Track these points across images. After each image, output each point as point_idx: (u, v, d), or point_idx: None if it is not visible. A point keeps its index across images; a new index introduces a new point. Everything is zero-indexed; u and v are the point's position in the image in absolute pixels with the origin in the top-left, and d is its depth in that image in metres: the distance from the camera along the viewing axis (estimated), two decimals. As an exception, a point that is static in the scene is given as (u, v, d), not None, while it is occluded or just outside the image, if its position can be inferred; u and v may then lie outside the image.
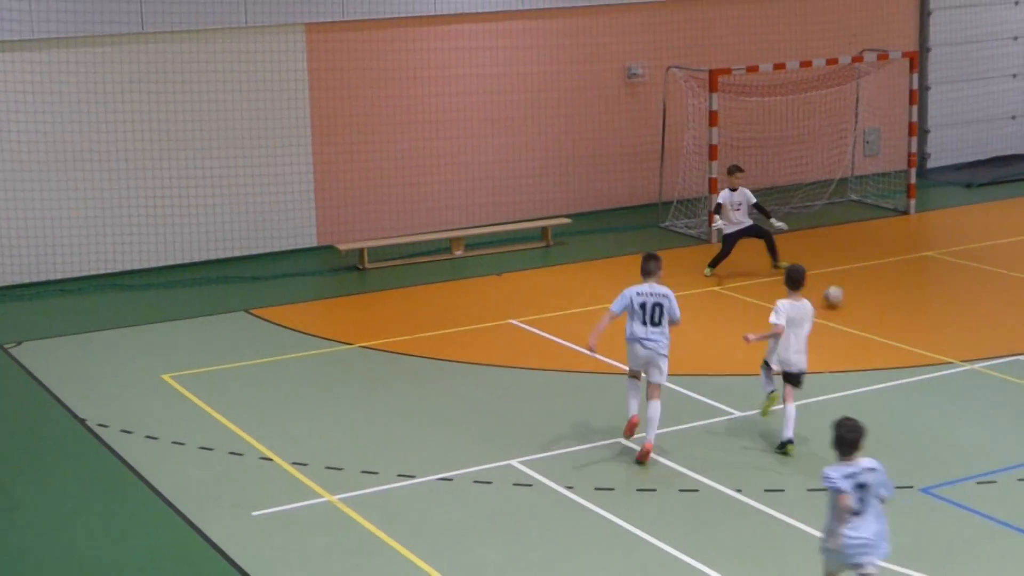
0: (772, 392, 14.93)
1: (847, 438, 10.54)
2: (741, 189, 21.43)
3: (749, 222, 21.56)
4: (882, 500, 10.46)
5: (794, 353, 14.57)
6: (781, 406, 14.76)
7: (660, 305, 14.47)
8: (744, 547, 12.55)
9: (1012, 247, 22.91)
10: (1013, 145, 29.97)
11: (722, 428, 15.48)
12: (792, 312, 14.46)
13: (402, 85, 24.10)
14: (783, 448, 14.62)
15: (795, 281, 14.54)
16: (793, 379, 14.68)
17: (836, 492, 10.34)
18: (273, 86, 23.17)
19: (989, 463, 14.20)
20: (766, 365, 14.94)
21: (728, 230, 21.52)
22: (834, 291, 19.69)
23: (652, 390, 14.47)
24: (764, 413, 15.12)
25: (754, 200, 21.57)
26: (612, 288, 20.68)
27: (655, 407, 14.40)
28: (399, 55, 24.03)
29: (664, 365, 14.46)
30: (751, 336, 14.51)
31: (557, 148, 25.50)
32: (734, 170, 21.55)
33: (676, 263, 22.42)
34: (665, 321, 14.51)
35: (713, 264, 21.59)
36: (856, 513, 10.34)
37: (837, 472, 10.41)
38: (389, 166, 24.21)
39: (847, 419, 10.70)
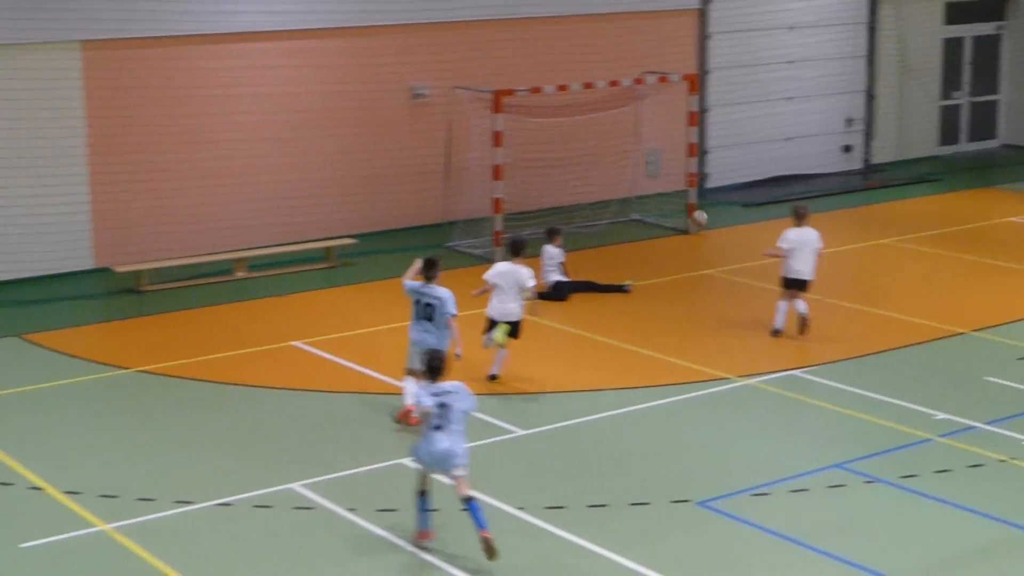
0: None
1: (432, 365, 12.78)
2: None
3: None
4: (464, 415, 12.73)
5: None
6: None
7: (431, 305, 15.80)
8: (525, 566, 12.56)
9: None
10: (789, 165, 30.79)
11: (503, 447, 15.51)
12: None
13: (184, 104, 23.67)
14: None
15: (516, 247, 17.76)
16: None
17: (420, 407, 12.59)
18: (47, 104, 22.51)
19: (764, 476, 14.50)
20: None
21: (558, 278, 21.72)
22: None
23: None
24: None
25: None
26: (397, 309, 20.70)
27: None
28: (181, 73, 23.60)
29: None
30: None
31: (342, 168, 25.34)
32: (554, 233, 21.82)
33: (460, 283, 22.45)
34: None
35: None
36: (439, 427, 12.56)
37: (424, 391, 12.65)
38: (170, 186, 23.75)
39: (434, 351, 13.32)
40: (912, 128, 32.89)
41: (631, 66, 27.31)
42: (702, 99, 28.80)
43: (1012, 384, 17.33)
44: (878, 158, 32.23)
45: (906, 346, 19.02)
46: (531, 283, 17.37)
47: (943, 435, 15.65)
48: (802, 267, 19.39)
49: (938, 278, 22.74)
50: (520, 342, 18.92)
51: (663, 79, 25.89)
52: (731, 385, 17.45)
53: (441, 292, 15.86)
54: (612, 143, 27.47)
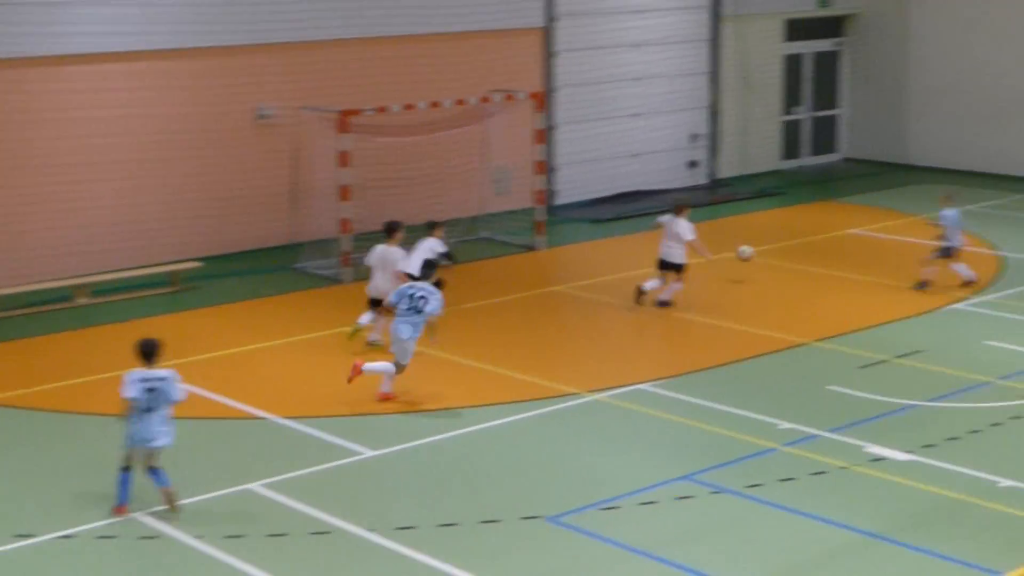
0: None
1: (144, 350, 14.13)
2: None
3: None
4: (172, 403, 14.02)
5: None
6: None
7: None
8: (374, 587, 12.49)
9: (635, 280, 23.66)
10: (636, 182, 31.10)
11: (352, 468, 15.40)
12: None
13: (16, 128, 23.15)
14: None
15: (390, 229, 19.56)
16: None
17: (130, 397, 13.88)
18: None
19: (612, 489, 14.58)
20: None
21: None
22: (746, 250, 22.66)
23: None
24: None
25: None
26: (245, 332, 20.48)
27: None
28: (12, 97, 23.08)
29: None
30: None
31: (188, 191, 25.00)
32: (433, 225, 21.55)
33: (310, 305, 22.33)
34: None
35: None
36: (148, 409, 13.90)
37: (133, 377, 13.91)
38: (7, 212, 23.20)
39: (146, 339, 14.37)
40: (755, 143, 33.46)
41: (478, 84, 27.39)
42: (549, 117, 28.96)
43: (853, 392, 17.66)
44: (723, 173, 32.71)
45: (751, 358, 19.29)
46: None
47: (787, 444, 15.89)
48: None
49: (782, 290, 23.11)
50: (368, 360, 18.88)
51: (509, 97, 26.00)
52: (580, 400, 17.53)
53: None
54: (460, 162, 27.49)
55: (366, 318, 19.75)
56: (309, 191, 25.19)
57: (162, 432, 14.05)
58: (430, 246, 21.42)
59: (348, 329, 19.92)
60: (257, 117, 25.53)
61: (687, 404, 17.32)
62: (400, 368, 17.48)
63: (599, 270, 24.38)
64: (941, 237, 22.75)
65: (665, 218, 22.17)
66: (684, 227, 21.89)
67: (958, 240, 22.68)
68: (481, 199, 27.58)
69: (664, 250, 21.91)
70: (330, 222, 24.52)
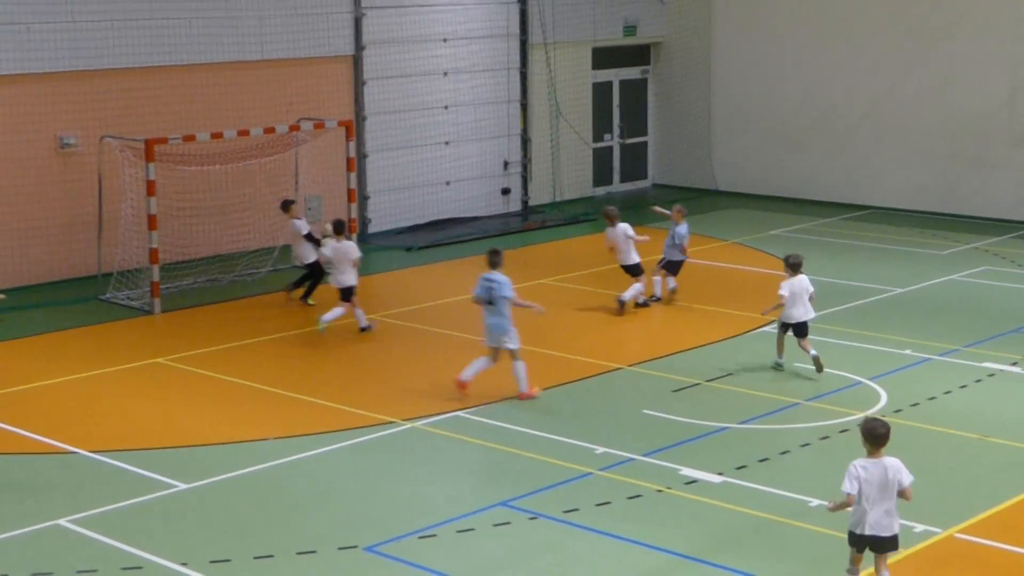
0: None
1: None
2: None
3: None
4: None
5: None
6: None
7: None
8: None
9: (450, 307, 23.72)
10: (449, 209, 31.14)
11: (165, 502, 15.06)
12: None
13: None
14: None
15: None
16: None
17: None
18: None
19: (430, 517, 14.49)
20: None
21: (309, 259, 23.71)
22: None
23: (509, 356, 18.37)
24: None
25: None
26: (51, 364, 19.93)
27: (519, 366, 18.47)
28: None
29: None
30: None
31: (-13, 221, 24.31)
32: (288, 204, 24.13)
33: (118, 335, 21.85)
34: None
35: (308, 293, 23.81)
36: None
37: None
38: None
39: None
40: (567, 170, 33.77)
41: (288, 113, 27.18)
42: (360, 144, 28.86)
43: (668, 416, 17.86)
44: (535, 200, 32.95)
45: (568, 383, 19.39)
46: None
47: (603, 468, 15.98)
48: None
49: (596, 315, 23.30)
50: (179, 392, 18.63)
51: (319, 125, 25.82)
52: (397, 428, 17.42)
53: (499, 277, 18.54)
54: (271, 190, 27.17)
55: (335, 313, 21.56)
56: (116, 221, 24.65)
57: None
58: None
59: (318, 328, 21.56)
60: (60, 146, 24.91)
61: (504, 430, 17.33)
62: (511, 354, 18.45)
63: (414, 298, 24.32)
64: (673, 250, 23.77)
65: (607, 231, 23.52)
66: (622, 230, 23.30)
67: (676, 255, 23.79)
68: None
69: (619, 257, 23.41)
70: (138, 252, 24.04)
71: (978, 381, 19.41)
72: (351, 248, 21.96)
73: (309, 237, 23.68)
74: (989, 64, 31.05)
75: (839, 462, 16.21)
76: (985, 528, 14.45)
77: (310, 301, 23.63)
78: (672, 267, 23.85)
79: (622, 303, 23.18)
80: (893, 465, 12.32)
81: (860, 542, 12.47)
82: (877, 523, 12.31)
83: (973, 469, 16.28)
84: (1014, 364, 20.08)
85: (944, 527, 14.33)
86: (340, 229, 22.27)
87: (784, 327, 19.80)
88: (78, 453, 16.45)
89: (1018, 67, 30.72)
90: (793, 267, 19.60)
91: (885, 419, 12.74)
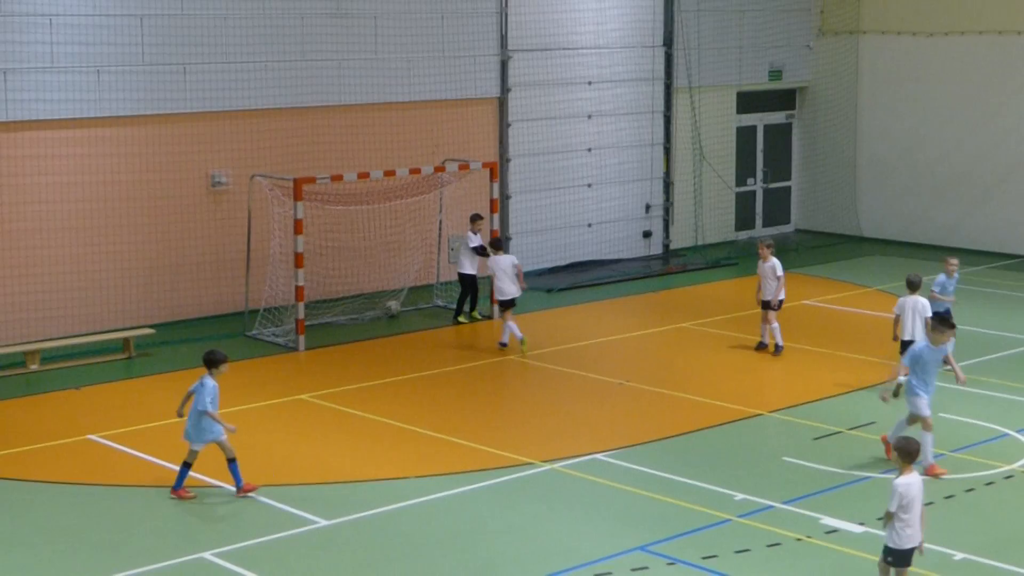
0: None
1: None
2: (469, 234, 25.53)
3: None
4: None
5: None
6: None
7: None
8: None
9: (588, 349, 23.77)
10: (590, 251, 31.24)
11: (306, 538, 15.26)
12: None
13: (-28, 193, 23.08)
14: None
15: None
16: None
17: None
18: None
19: (567, 560, 14.50)
20: None
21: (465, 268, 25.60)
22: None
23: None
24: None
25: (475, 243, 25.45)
26: (196, 399, 20.31)
27: None
28: (-31, 162, 23.03)
29: None
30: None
31: (140, 257, 24.91)
32: (475, 218, 25.56)
33: (263, 371, 22.23)
34: None
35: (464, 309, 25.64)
36: None
37: None
38: (-42, 277, 23.06)
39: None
40: (709, 214, 33.69)
41: (433, 153, 27.53)
42: (503, 186, 29.10)
43: (808, 464, 17.70)
44: (677, 243, 32.91)
45: (706, 428, 19.30)
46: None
47: (742, 515, 15.87)
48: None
49: (736, 361, 23.18)
50: (322, 429, 18.89)
51: (464, 166, 26.11)
52: (535, 470, 17.47)
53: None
54: (415, 230, 27.53)
55: (511, 326, 23.33)
56: (263, 258, 25.16)
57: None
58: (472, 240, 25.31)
59: (522, 348, 23.14)
60: (212, 184, 25.50)
61: (642, 474, 17.30)
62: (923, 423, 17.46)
63: (553, 339, 24.40)
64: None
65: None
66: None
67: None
68: (436, 267, 27.59)
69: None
70: (284, 289, 24.48)
71: None
72: (509, 259, 23.95)
73: (478, 249, 25.42)
74: None
75: (984, 515, 16.03)
76: None
77: (476, 314, 25.65)
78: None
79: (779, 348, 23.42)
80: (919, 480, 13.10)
81: (909, 556, 13.06)
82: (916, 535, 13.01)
83: (1124, 526, 15.88)
84: None
85: (1093, 585, 14.00)
86: (498, 245, 24.35)
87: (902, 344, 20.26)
88: (222, 488, 16.75)
89: None
90: (911, 285, 20.37)
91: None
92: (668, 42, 32.24)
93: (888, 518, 12.99)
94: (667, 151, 32.59)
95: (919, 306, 20.26)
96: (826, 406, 20.34)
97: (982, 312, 26.15)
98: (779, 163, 35.78)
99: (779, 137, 35.77)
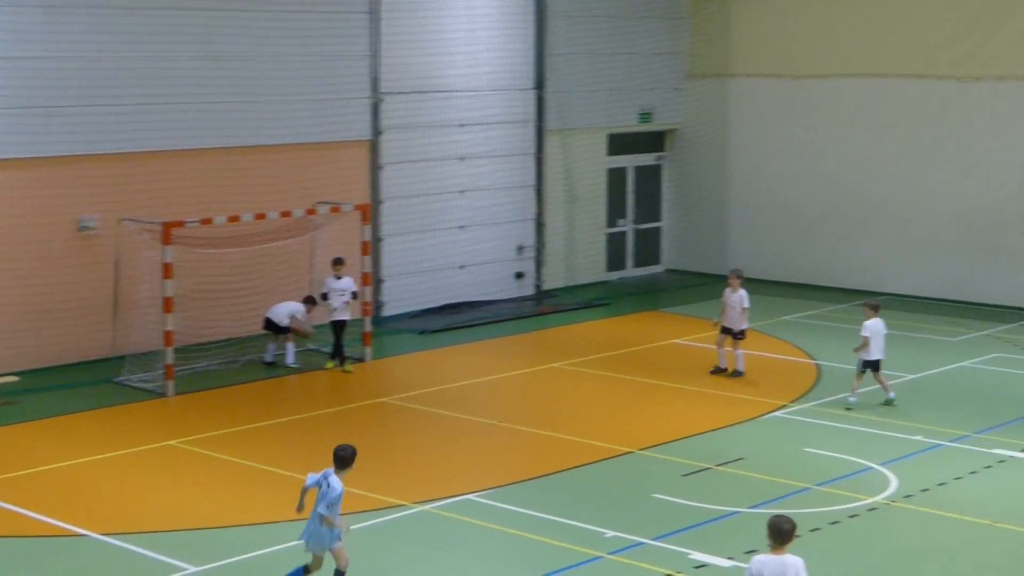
0: None
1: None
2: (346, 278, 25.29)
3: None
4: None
5: None
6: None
7: None
8: None
9: (461, 390, 23.82)
10: (463, 293, 31.31)
11: (176, 585, 15.10)
12: None
13: None
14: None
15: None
16: None
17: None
18: None
19: (439, 601, 14.52)
20: None
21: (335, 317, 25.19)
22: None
23: None
24: None
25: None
26: (65, 447, 20.04)
27: None
28: None
29: None
30: None
31: (4, 302, 24.47)
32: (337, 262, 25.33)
33: (131, 418, 21.96)
34: None
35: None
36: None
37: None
38: None
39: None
40: (580, 254, 33.98)
41: (304, 196, 27.42)
42: (376, 228, 29.08)
43: (677, 500, 17.88)
44: (549, 284, 33.12)
45: (578, 467, 19.43)
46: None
47: (613, 552, 16.00)
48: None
49: (608, 399, 23.38)
50: (191, 475, 18.70)
51: (335, 209, 26.07)
52: (406, 512, 17.45)
53: None
54: (287, 273, 27.38)
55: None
56: (132, 303, 24.87)
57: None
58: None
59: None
60: (79, 228, 25.17)
61: (515, 514, 17.35)
62: None
63: (425, 381, 24.42)
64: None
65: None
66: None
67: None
68: (311, 311, 27.47)
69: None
70: (153, 334, 24.20)
71: (988, 467, 19.42)
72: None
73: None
74: (1003, 154, 31.27)
75: (849, 547, 16.32)
76: (995, 615, 14.43)
77: (347, 367, 25.30)
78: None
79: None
80: (793, 564, 11.90)
81: None
82: None
83: (982, 556, 16.25)
84: (1024, 451, 20.12)
85: (953, 614, 14.31)
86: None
87: (864, 365, 22.40)
88: (88, 536, 16.50)
89: (1029, 155, 30.97)
90: (874, 308, 22.52)
91: (791, 516, 12.18)
92: (539, 84, 32.53)
93: None
94: (539, 192, 32.83)
95: (882, 327, 22.50)
96: (696, 443, 20.58)
97: (846, 349, 26.60)
98: (649, 204, 36.22)
99: (649, 178, 36.21)
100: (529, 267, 32.85)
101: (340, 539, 14.32)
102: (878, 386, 22.74)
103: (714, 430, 21.29)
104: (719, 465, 19.43)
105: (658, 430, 21.30)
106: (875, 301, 23.11)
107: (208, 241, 25.22)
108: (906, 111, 32.52)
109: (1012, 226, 31.28)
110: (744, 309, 24.66)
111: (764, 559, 11.95)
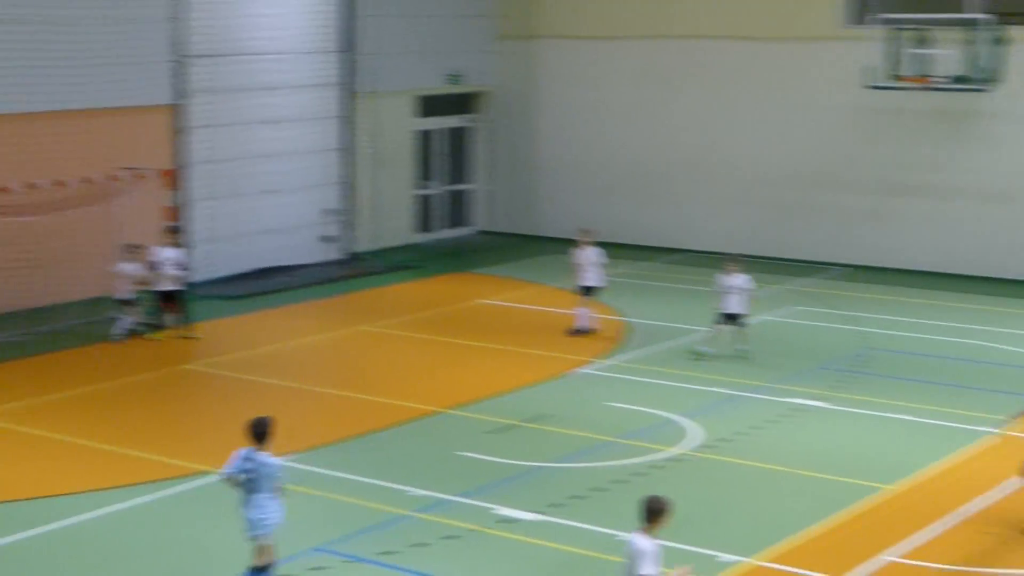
0: None
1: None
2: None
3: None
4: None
5: None
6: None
7: None
8: None
9: (270, 355, 23.66)
10: (273, 257, 31.04)
11: (-28, 558, 14.80)
12: None
13: None
14: None
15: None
16: None
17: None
18: None
19: (245, 566, 14.42)
20: None
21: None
22: None
23: None
24: None
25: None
26: None
27: None
28: None
29: None
30: None
31: None
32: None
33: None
34: None
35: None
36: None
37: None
38: None
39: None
40: (390, 217, 33.95)
41: (105, 162, 26.84)
42: (184, 194, 28.62)
43: (482, 457, 18.07)
44: (358, 247, 33.01)
45: (385, 428, 19.49)
46: None
47: (419, 510, 16.11)
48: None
49: (416, 360, 23.45)
50: (-10, 448, 18.29)
51: (139, 175, 25.61)
52: (211, 478, 17.30)
53: None
54: (90, 240, 26.80)
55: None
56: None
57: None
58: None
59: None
60: None
61: (321, 476, 17.35)
62: None
63: (234, 346, 24.21)
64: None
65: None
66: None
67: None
68: (112, 279, 26.96)
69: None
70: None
71: (785, 416, 19.99)
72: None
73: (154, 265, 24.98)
74: (803, 113, 32.06)
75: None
76: (790, 556, 14.89)
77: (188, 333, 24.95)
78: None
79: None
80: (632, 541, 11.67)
81: None
82: None
83: (779, 499, 16.76)
84: (819, 399, 20.71)
85: (749, 555, 14.73)
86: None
87: (722, 317, 23.09)
88: None
89: (826, 116, 31.75)
90: (730, 268, 23.39)
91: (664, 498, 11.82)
92: (349, 47, 32.34)
93: None
94: (348, 155, 32.67)
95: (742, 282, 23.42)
96: (503, 401, 20.79)
97: (649, 304, 27.15)
98: (460, 166, 36.31)
99: (460, 141, 36.30)
100: (338, 230, 32.69)
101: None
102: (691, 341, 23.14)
103: (521, 388, 21.51)
104: (525, 422, 19.66)
105: (466, 389, 21.45)
106: (733, 261, 23.82)
107: (6, 209, 24.58)
108: (711, 71, 33.13)
109: (810, 184, 32.11)
110: (598, 264, 25.05)
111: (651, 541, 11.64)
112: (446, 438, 19.02)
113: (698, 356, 22.99)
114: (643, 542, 11.54)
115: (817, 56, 31.81)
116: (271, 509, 13.38)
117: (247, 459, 13.32)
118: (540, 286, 29.45)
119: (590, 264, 24.98)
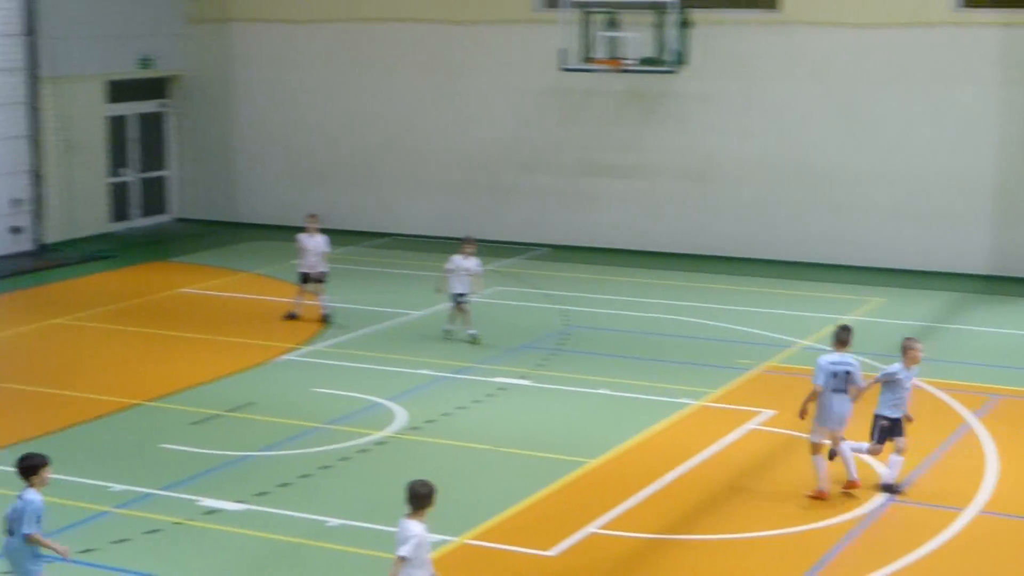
0: None
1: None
2: None
3: None
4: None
5: None
6: None
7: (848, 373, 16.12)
8: None
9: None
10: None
11: None
12: None
13: None
14: None
15: None
16: None
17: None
18: None
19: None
20: None
21: None
22: None
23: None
24: None
25: None
26: None
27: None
28: None
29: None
30: None
31: None
32: None
33: None
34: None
35: None
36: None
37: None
38: None
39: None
40: (82, 206, 32.83)
41: None
42: None
43: (186, 448, 17.68)
44: (49, 238, 31.75)
45: (82, 423, 18.85)
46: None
47: (120, 506, 15.67)
48: None
49: (114, 352, 22.79)
50: None
51: None
52: None
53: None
54: None
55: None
56: None
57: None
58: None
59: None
60: None
61: (11, 475, 16.62)
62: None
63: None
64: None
65: None
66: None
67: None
68: None
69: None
70: None
71: (490, 395, 20.18)
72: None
73: None
74: (499, 96, 32.42)
75: (359, 482, 16.65)
76: (494, 533, 15.05)
77: None
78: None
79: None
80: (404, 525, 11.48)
81: None
82: None
83: (484, 478, 16.93)
84: (523, 378, 20.99)
85: (457, 534, 14.80)
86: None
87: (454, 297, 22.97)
88: None
89: (523, 98, 32.19)
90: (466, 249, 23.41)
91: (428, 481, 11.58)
92: (31, 30, 31.09)
93: (398, 564, 11.31)
94: (35, 144, 31.43)
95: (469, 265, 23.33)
96: (205, 391, 20.38)
97: (353, 288, 27.01)
98: (155, 152, 35.38)
99: (154, 126, 35.36)
100: (27, 221, 31.42)
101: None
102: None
103: (224, 377, 21.13)
104: (229, 411, 19.33)
105: (167, 380, 20.91)
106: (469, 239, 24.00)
107: None
108: (408, 55, 33.13)
109: (509, 165, 32.51)
110: (323, 252, 24.52)
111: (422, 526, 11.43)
112: (148, 431, 18.52)
113: (468, 339, 22.97)
114: (412, 527, 11.39)
115: (511, 39, 32.19)
116: None
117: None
118: (241, 273, 28.98)
119: (317, 251, 24.52)
